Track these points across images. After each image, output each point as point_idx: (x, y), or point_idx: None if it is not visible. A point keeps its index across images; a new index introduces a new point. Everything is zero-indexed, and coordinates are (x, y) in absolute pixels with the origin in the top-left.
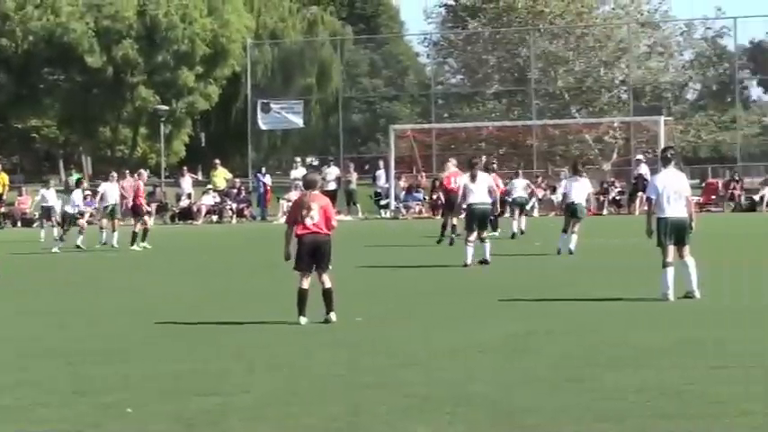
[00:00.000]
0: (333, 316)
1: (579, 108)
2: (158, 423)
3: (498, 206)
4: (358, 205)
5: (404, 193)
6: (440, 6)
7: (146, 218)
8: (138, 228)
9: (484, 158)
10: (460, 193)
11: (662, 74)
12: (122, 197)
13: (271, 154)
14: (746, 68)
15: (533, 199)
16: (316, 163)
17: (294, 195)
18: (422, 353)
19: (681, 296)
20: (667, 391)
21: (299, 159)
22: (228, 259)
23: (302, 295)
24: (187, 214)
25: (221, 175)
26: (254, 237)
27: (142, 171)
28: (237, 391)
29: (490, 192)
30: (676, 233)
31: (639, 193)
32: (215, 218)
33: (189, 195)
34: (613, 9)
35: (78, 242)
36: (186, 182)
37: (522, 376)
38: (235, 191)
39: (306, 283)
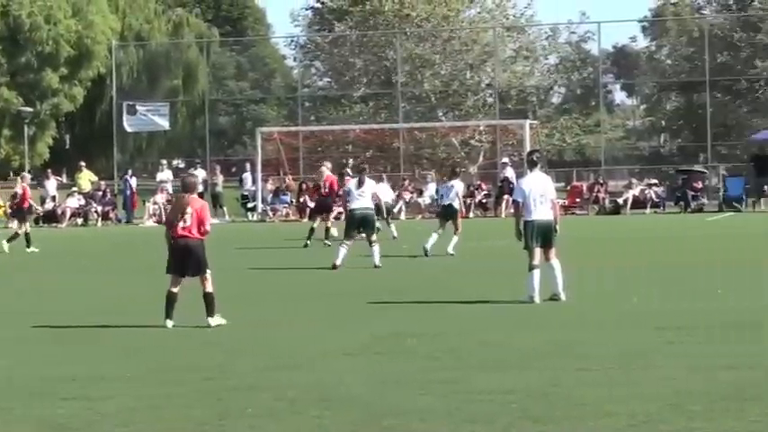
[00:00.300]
0: (212, 321)
1: (446, 111)
2: (23, 427)
3: (384, 212)
4: (225, 208)
5: (271, 195)
6: (306, 9)
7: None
8: (22, 230)
9: (351, 161)
10: (344, 196)
11: (527, 77)
12: None
13: (137, 156)
14: (610, 73)
15: (400, 202)
16: (182, 165)
17: (160, 198)
18: (292, 356)
19: (547, 298)
20: (534, 393)
21: (165, 162)
22: (103, 262)
23: (170, 298)
24: (52, 217)
25: (86, 178)
26: (121, 240)
27: (25, 174)
28: (108, 396)
29: (373, 198)
30: (543, 236)
31: (505, 196)
32: (80, 221)
33: (53, 198)
34: (479, 13)
35: None
36: (51, 184)
37: (392, 378)
38: (100, 193)
39: (175, 287)
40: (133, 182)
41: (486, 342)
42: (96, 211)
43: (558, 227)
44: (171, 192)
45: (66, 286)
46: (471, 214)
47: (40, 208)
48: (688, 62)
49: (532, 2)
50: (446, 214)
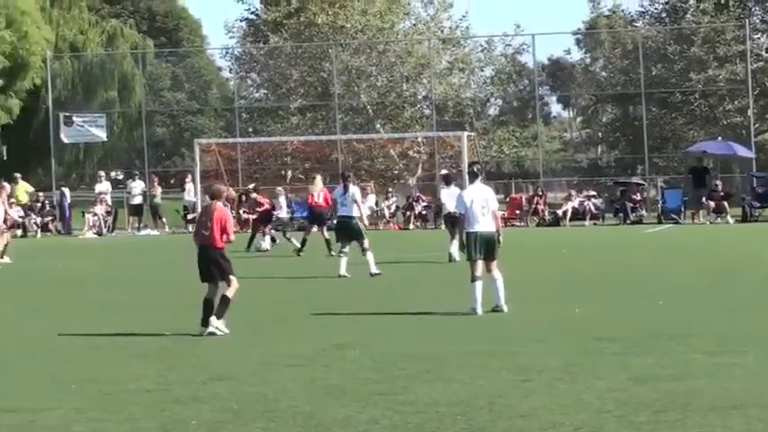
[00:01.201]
0: (213, 321)
1: (383, 123)
2: None
3: (363, 218)
4: (164, 219)
5: None
6: (241, 21)
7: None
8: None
9: (290, 173)
10: (333, 204)
11: (464, 89)
12: None
13: (74, 167)
14: (546, 85)
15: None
16: (120, 177)
17: (99, 209)
18: (233, 367)
19: (489, 310)
20: (477, 403)
21: (103, 173)
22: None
23: (205, 305)
24: None
25: (22, 189)
26: (72, 250)
27: (5, 185)
28: (47, 407)
29: (355, 203)
30: (486, 247)
31: None
32: (19, 232)
33: None
34: (414, 25)
35: None
36: None
37: (336, 390)
38: (39, 205)
39: (209, 292)
40: (67, 193)
41: (430, 354)
42: (36, 223)
43: (500, 238)
44: (110, 203)
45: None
46: (411, 226)
47: None
48: (623, 74)
49: (467, 14)
50: (453, 222)
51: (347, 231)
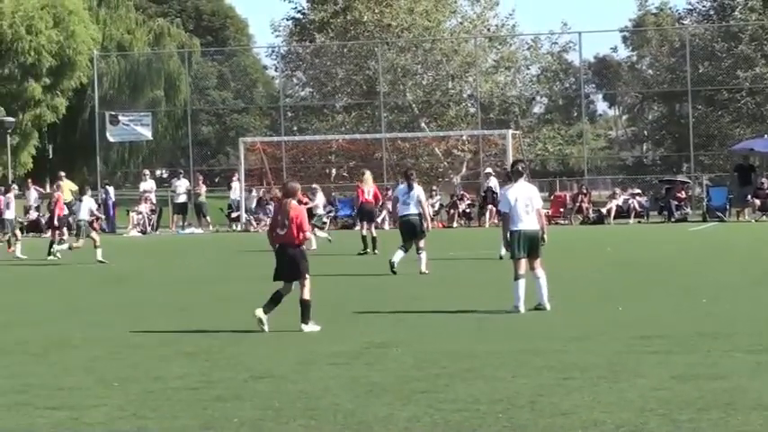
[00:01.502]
0: (305, 327)
1: (428, 121)
2: None
3: (428, 219)
4: (208, 217)
5: (255, 205)
6: (287, 20)
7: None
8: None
9: (335, 171)
10: (394, 202)
11: (509, 88)
12: None
13: (119, 166)
14: (592, 83)
15: (384, 212)
16: (165, 175)
17: (144, 208)
18: (275, 365)
19: (531, 308)
20: (519, 401)
21: (147, 172)
22: (90, 271)
23: (275, 295)
24: (35, 227)
25: (67, 188)
26: (116, 248)
27: (60, 183)
28: (90, 405)
29: (420, 203)
30: (529, 245)
31: (489, 206)
32: (64, 230)
33: (37, 208)
34: (461, 23)
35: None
36: (32, 195)
37: (377, 388)
38: None
39: (284, 289)
40: (111, 192)
41: (472, 352)
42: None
43: (545, 236)
44: (154, 202)
45: (42, 295)
46: (455, 224)
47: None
48: (669, 72)
49: (514, 12)
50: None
51: (412, 231)
